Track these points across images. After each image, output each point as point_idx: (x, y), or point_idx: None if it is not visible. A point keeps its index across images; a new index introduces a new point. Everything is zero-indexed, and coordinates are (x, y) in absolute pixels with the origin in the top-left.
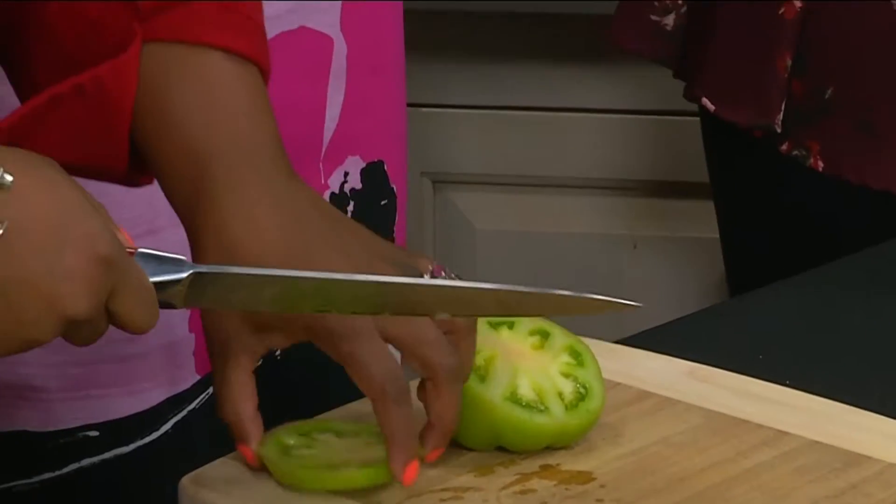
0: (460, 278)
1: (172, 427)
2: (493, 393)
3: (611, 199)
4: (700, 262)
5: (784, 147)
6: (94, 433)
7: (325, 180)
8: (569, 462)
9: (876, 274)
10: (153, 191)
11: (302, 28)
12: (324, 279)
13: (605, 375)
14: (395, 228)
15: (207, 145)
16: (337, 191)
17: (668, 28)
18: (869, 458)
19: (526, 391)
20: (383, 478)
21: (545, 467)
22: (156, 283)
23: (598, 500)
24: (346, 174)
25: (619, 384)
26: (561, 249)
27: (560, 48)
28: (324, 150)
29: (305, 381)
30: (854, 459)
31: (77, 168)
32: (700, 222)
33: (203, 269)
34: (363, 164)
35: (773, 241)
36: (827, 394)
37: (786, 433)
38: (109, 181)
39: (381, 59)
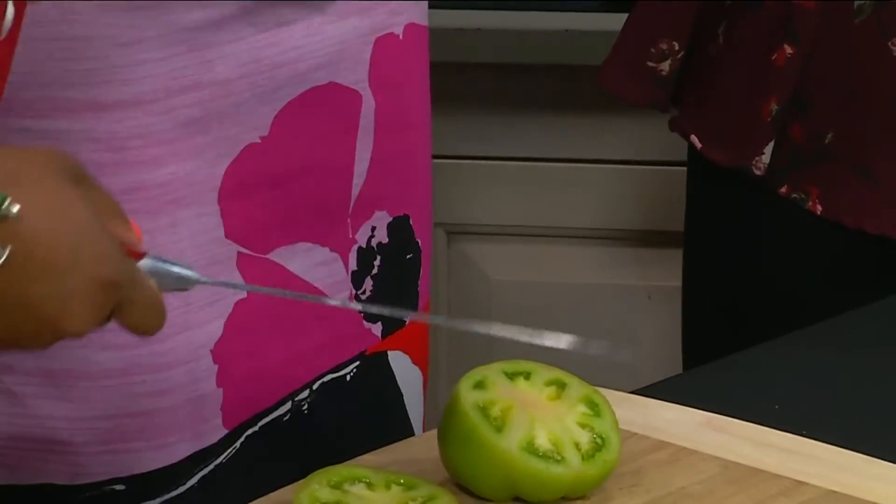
0: None
1: (199, 481)
2: (509, 443)
3: (625, 249)
4: None
5: (783, 190)
6: (121, 487)
7: (353, 234)
8: None
9: (890, 325)
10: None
11: (331, 84)
12: None
13: (621, 425)
14: (420, 283)
15: None
16: (364, 245)
17: (664, 73)
18: None
19: (543, 441)
20: None
21: None
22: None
23: None
24: (373, 228)
25: (635, 434)
26: (576, 300)
27: (573, 99)
28: (352, 204)
29: (329, 431)
30: None
31: None
32: None
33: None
34: (390, 219)
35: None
36: (843, 444)
37: (803, 483)
38: None
39: (409, 115)
